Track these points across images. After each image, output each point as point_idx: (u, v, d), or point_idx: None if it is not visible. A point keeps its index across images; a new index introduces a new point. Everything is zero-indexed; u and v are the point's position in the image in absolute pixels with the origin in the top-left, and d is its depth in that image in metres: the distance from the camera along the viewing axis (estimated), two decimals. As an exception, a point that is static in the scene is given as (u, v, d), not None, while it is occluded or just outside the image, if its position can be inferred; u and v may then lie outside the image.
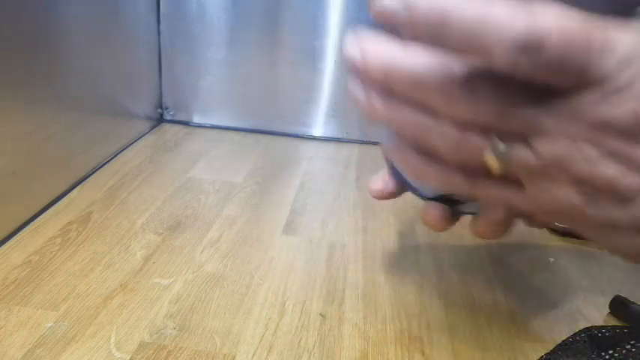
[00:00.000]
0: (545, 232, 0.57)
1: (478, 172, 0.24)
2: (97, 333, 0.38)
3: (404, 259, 0.51)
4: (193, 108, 0.83)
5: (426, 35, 0.21)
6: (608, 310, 0.44)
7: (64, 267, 0.45)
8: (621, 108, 0.20)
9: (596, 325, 0.36)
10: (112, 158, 0.67)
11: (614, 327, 0.34)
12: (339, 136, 0.82)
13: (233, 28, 0.78)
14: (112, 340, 0.37)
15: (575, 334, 0.35)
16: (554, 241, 0.56)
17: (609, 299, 0.45)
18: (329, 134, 0.82)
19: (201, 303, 0.42)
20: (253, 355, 0.37)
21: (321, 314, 0.42)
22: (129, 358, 0.36)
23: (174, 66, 0.81)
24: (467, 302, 0.45)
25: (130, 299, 0.41)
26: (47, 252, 0.47)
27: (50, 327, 0.38)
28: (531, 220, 0.29)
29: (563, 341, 0.35)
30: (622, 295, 0.44)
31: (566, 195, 0.22)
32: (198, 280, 0.45)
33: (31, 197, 0.52)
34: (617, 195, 0.22)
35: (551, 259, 0.52)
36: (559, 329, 0.42)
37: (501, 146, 0.22)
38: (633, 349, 0.30)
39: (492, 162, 0.22)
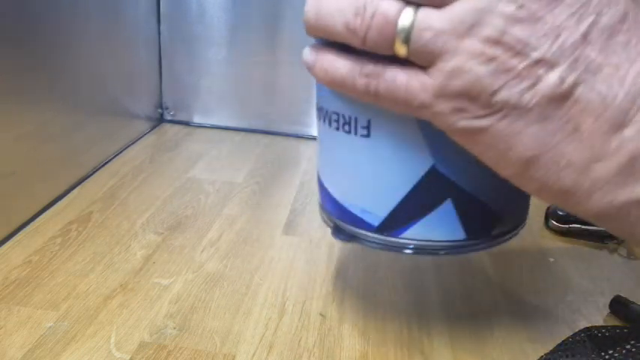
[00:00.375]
0: (545, 232, 0.58)
1: (381, 58, 0.24)
2: (97, 333, 0.38)
3: (404, 259, 0.51)
4: (193, 108, 0.83)
5: None
6: (608, 310, 0.44)
7: (64, 267, 0.45)
8: None
9: (596, 325, 0.36)
10: (112, 158, 0.67)
11: (613, 327, 0.34)
12: (339, 136, 0.82)
13: (233, 28, 0.78)
14: (112, 340, 0.37)
15: (574, 334, 0.35)
16: (554, 241, 0.56)
17: (609, 299, 0.45)
18: (329, 134, 0.82)
19: (201, 303, 0.42)
20: (253, 355, 0.37)
21: (321, 314, 0.42)
22: (129, 358, 0.36)
23: (174, 66, 0.81)
24: (467, 302, 0.45)
25: (130, 299, 0.41)
26: (47, 252, 0.47)
27: (50, 327, 0.38)
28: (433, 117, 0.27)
29: (562, 341, 0.35)
30: (622, 295, 0.44)
31: (476, 70, 0.22)
32: (198, 280, 0.45)
33: (31, 197, 0.52)
34: (531, 66, 0.22)
35: (551, 259, 0.52)
36: (559, 329, 0.42)
37: (406, 14, 0.23)
38: (633, 349, 0.30)
39: (399, 36, 0.23)
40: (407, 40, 0.23)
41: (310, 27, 0.28)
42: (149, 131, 0.78)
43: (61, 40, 0.54)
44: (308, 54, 0.29)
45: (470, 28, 0.22)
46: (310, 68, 0.29)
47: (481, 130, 0.23)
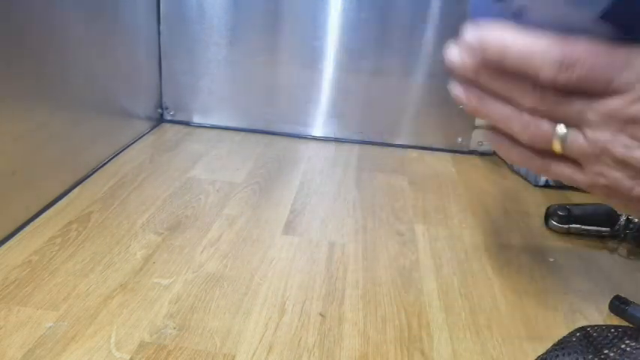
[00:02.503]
0: (545, 232, 0.58)
1: (547, 153, 0.31)
2: (97, 333, 0.38)
3: (404, 258, 0.51)
4: (193, 108, 0.83)
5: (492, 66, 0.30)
6: (608, 310, 0.44)
7: (64, 267, 0.45)
8: None
9: (592, 324, 0.36)
10: (112, 158, 0.67)
11: (609, 326, 0.34)
12: (339, 136, 0.82)
13: (233, 28, 0.78)
14: (112, 339, 0.37)
15: (570, 333, 0.35)
16: (554, 241, 0.56)
17: (609, 299, 0.45)
18: (329, 134, 0.82)
19: (201, 303, 0.42)
20: (253, 354, 0.37)
21: (321, 314, 0.42)
22: (129, 357, 0.36)
23: (174, 66, 0.81)
24: (467, 302, 0.45)
25: (130, 299, 0.41)
26: (47, 252, 0.47)
27: (50, 327, 0.38)
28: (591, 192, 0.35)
29: (559, 340, 0.35)
30: (622, 295, 0.44)
31: (613, 175, 0.29)
32: (198, 280, 0.45)
33: (31, 197, 0.52)
34: None
35: (551, 259, 0.52)
36: (559, 329, 0.42)
37: (561, 128, 0.30)
38: (628, 349, 0.30)
39: (555, 143, 0.30)
40: (562, 148, 0.30)
41: (473, 111, 0.33)
42: (149, 131, 0.78)
43: (61, 40, 0.54)
44: (489, 137, 0.35)
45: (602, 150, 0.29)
46: (491, 143, 0.35)
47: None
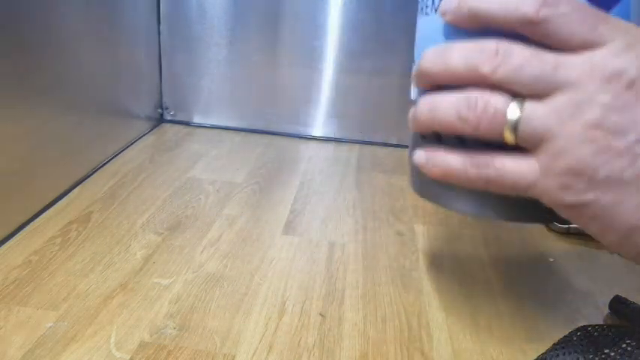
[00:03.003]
0: (545, 232, 0.58)
1: (495, 149, 0.28)
2: (97, 333, 0.38)
3: (404, 259, 0.51)
4: (193, 108, 0.83)
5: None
6: (608, 310, 0.44)
7: (64, 267, 0.45)
8: (627, 62, 0.25)
9: (592, 323, 0.36)
10: (113, 158, 0.67)
11: (609, 326, 0.34)
12: (339, 136, 0.82)
13: (233, 28, 0.78)
14: (112, 339, 0.37)
15: (571, 332, 0.35)
16: (554, 241, 0.56)
17: (609, 299, 0.45)
18: (329, 134, 0.82)
19: (201, 303, 0.42)
20: (253, 355, 0.37)
21: (321, 314, 0.42)
22: (129, 358, 0.36)
23: (174, 66, 0.81)
24: (466, 302, 0.45)
25: (130, 299, 0.41)
26: (47, 252, 0.47)
27: (50, 327, 0.38)
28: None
29: (559, 340, 0.35)
30: (622, 295, 0.44)
31: (582, 149, 0.25)
32: (198, 280, 0.45)
33: (31, 197, 0.52)
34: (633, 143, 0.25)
35: (551, 259, 0.52)
36: (559, 329, 0.42)
37: (515, 105, 0.26)
38: (629, 348, 0.30)
39: (507, 128, 0.27)
40: (515, 129, 0.27)
41: (422, 122, 0.31)
42: (149, 131, 0.78)
43: (60, 40, 0.54)
44: (420, 156, 0.32)
45: (572, 115, 0.25)
46: (423, 167, 0.32)
47: (586, 204, 0.26)
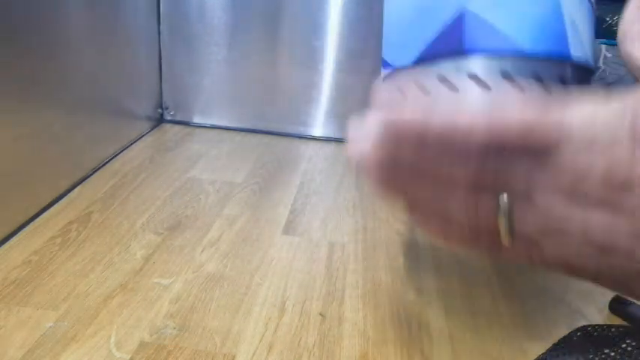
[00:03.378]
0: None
1: (495, 235, 0.26)
2: (97, 333, 0.38)
3: (404, 259, 0.51)
4: (193, 108, 0.83)
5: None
6: (608, 310, 0.44)
7: (64, 267, 0.45)
8: (593, 161, 0.23)
9: (593, 323, 0.36)
10: (113, 158, 0.67)
11: (610, 326, 0.34)
12: (339, 136, 0.82)
13: (233, 28, 0.78)
14: (112, 339, 0.37)
15: (571, 332, 0.35)
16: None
17: (609, 299, 0.45)
18: (329, 134, 0.82)
19: (201, 303, 0.42)
20: (253, 354, 0.37)
21: (321, 314, 0.42)
22: (129, 357, 0.36)
23: (174, 66, 0.81)
24: (466, 302, 0.45)
25: (130, 299, 0.41)
26: (47, 252, 0.47)
27: (50, 327, 0.38)
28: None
29: (559, 340, 0.35)
30: (621, 295, 0.44)
31: (575, 250, 0.24)
32: (198, 280, 0.45)
33: (31, 197, 0.52)
34: (622, 250, 0.23)
35: (551, 259, 0.52)
36: (559, 329, 0.42)
37: (504, 201, 0.24)
38: (629, 349, 0.30)
39: (501, 224, 0.25)
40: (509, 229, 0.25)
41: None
42: (149, 131, 0.78)
43: (61, 40, 0.54)
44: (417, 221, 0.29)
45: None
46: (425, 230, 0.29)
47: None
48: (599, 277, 0.26)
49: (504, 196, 0.24)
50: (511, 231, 0.25)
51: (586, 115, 0.23)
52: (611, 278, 0.25)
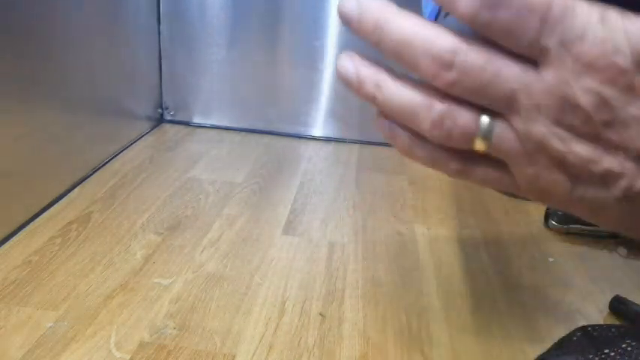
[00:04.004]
0: (545, 232, 0.58)
1: (465, 153, 0.24)
2: (97, 333, 0.38)
3: (404, 259, 0.51)
4: (193, 108, 0.83)
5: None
6: (608, 310, 0.44)
7: (64, 267, 0.45)
8: (584, 87, 0.21)
9: (592, 323, 0.36)
10: (113, 158, 0.67)
11: (609, 326, 0.34)
12: (339, 136, 0.82)
13: (233, 28, 0.78)
14: (112, 339, 0.37)
15: (571, 332, 0.35)
16: (554, 241, 0.56)
17: (609, 299, 0.45)
18: (329, 134, 0.82)
19: (201, 303, 0.42)
20: (253, 354, 0.37)
21: (321, 314, 0.42)
22: (129, 357, 0.36)
23: (174, 66, 0.81)
24: (467, 302, 0.45)
25: (130, 299, 0.41)
26: (47, 252, 0.47)
27: (50, 327, 0.38)
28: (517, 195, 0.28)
29: (559, 339, 0.35)
30: (621, 295, 0.44)
31: (549, 176, 0.23)
32: (198, 280, 0.45)
33: (31, 197, 0.52)
34: (598, 177, 0.22)
35: (551, 259, 0.52)
36: (559, 329, 0.42)
37: (484, 120, 0.23)
38: (629, 348, 0.30)
39: (478, 142, 0.23)
40: (487, 145, 0.23)
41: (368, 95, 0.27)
42: (149, 131, 0.78)
43: (61, 40, 0.54)
44: (382, 126, 0.28)
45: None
46: (387, 137, 0.28)
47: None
48: (570, 206, 0.25)
49: (485, 117, 0.23)
50: (486, 146, 0.23)
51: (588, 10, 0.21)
52: (583, 206, 0.24)
